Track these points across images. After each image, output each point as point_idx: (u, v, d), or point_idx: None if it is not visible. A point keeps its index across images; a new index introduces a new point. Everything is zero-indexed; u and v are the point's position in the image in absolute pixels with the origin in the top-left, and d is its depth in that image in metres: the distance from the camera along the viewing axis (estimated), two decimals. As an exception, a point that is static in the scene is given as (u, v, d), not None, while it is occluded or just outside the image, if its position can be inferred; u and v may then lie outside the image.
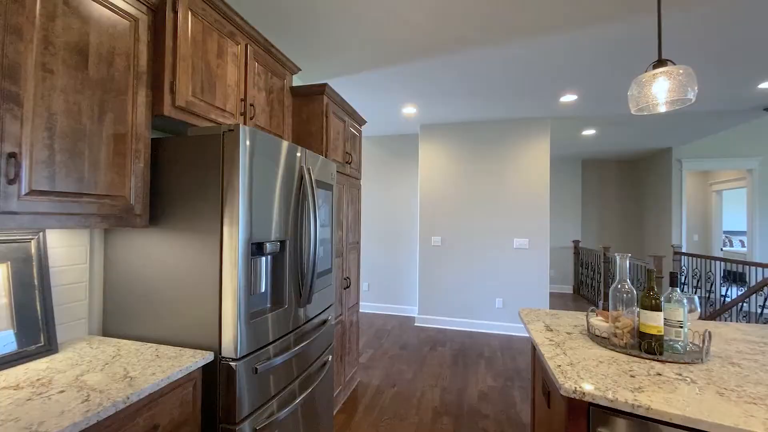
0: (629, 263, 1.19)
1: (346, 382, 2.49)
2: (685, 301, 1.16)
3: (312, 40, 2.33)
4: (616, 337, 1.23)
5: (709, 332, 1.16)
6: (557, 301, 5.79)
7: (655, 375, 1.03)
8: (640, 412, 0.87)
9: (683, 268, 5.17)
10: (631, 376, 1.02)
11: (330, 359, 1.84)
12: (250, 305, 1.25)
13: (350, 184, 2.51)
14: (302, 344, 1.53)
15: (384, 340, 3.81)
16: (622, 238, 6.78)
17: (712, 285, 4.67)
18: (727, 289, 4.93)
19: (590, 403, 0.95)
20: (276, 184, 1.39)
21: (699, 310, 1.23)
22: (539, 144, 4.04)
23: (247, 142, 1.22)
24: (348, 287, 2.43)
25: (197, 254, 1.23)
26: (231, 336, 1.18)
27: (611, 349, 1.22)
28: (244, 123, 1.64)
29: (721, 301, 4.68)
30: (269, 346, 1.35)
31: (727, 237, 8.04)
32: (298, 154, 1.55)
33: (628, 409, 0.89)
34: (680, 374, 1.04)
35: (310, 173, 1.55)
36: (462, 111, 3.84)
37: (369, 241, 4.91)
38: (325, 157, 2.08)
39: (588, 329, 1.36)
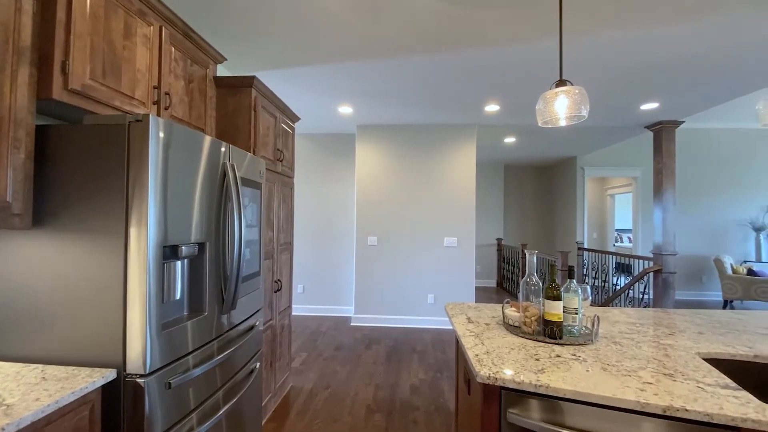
0: (536, 258, 1.32)
1: (277, 389, 2.40)
2: (579, 290, 1.33)
3: (239, 29, 2.20)
4: (525, 325, 1.36)
5: (598, 317, 1.35)
6: (482, 294, 6.25)
7: (555, 357, 1.17)
8: (542, 390, 0.98)
9: (584, 261, 5.94)
10: (536, 360, 1.14)
11: (258, 366, 1.76)
12: (162, 314, 1.14)
13: (282, 183, 2.42)
14: (226, 352, 1.44)
15: (319, 341, 3.75)
16: (538, 235, 7.56)
17: (606, 275, 5.45)
18: (617, 279, 5.78)
19: (502, 387, 1.05)
20: (196, 182, 1.29)
21: (590, 297, 1.43)
22: (467, 149, 4.32)
23: (161, 134, 1.11)
24: (279, 290, 2.35)
25: (97, 259, 1.08)
26: (138, 350, 1.06)
27: (522, 337, 1.35)
28: (158, 113, 1.49)
29: (613, 289, 5.49)
30: (188, 357, 1.25)
31: (618, 234, 9.41)
32: (223, 150, 1.46)
33: (532, 389, 0.99)
34: (575, 355, 1.19)
35: (234, 170, 1.46)
36: (397, 113, 3.95)
37: (304, 241, 4.79)
38: (254, 154, 1.98)
39: (503, 319, 1.49)
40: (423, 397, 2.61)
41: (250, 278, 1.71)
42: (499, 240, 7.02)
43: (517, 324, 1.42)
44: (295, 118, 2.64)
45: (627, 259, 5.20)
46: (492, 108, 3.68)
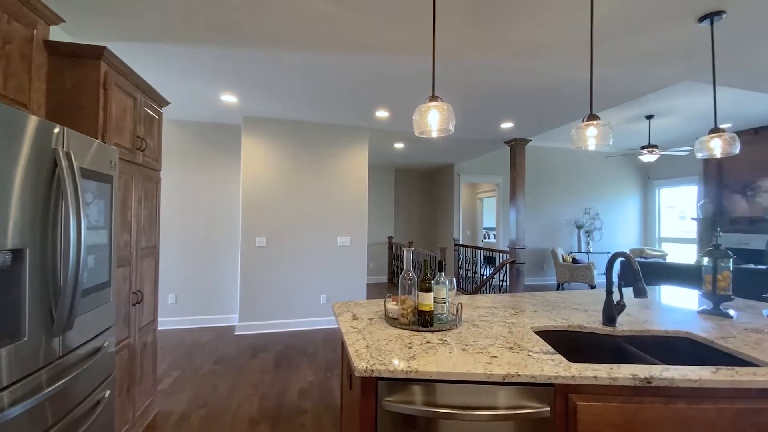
0: (413, 254, 1.44)
1: (137, 417, 2.06)
2: (447, 282, 1.50)
3: (85, -12, 1.82)
4: (403, 316, 1.48)
5: (461, 304, 1.55)
6: (374, 290, 6.52)
7: (426, 343, 1.30)
8: (412, 375, 1.08)
9: (459, 256, 6.75)
10: (409, 348, 1.25)
11: (108, 394, 1.48)
12: (-52, 345, 0.86)
13: (144, 176, 2.09)
14: (61, 382, 1.17)
15: (195, 356, 3.35)
16: (423, 233, 8.26)
17: (476, 267, 6.29)
18: (484, 270, 6.75)
19: (378, 378, 1.11)
20: (14, 173, 1.01)
21: (456, 287, 1.64)
22: (360, 151, 4.45)
23: (-54, 107, 0.83)
24: (139, 302, 2.01)
25: None
26: None
27: (400, 328, 1.46)
28: (-54, 78, 1.12)
29: (482, 278, 6.38)
30: (1, 394, 0.97)
31: (486, 232, 10.98)
32: (56, 132, 1.18)
33: (404, 376, 1.08)
34: (442, 339, 1.34)
35: (71, 159, 1.19)
36: (288, 109, 3.81)
37: (177, 244, 4.21)
38: (103, 140, 1.66)
39: (385, 313, 1.59)
40: (312, 399, 2.58)
41: (96, 290, 1.42)
42: (390, 238, 7.43)
43: (396, 316, 1.53)
44: (162, 102, 2.30)
45: (491, 252, 6.11)
46: (382, 114, 3.87)
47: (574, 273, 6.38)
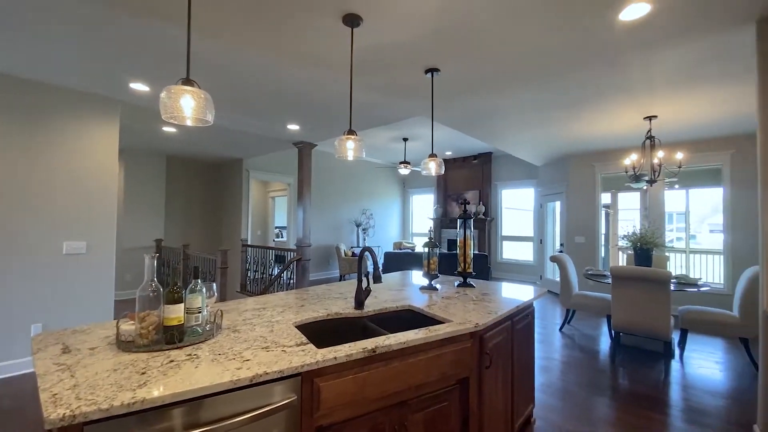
0: (152, 262, 1.24)
1: None
2: (204, 289, 1.36)
3: None
4: (142, 336, 1.23)
5: (221, 311, 1.45)
6: (130, 306, 5.25)
7: (168, 363, 1.12)
8: (137, 407, 0.90)
9: (248, 257, 6.42)
10: (143, 374, 1.04)
11: None
12: None
13: None
14: None
15: None
16: (204, 234, 7.36)
17: (265, 267, 6.15)
18: (274, 269, 6.69)
19: (84, 423, 0.87)
20: None
21: (216, 294, 1.51)
22: (105, 128, 3.46)
23: None
24: None
25: None
26: None
27: (135, 352, 1.21)
28: None
29: (269, 278, 6.29)
30: None
31: (279, 230, 10.96)
32: None
33: (125, 411, 0.89)
34: (191, 354, 1.20)
35: None
36: (-37, 51, 2.50)
37: None
38: None
39: (117, 337, 1.28)
40: (2, 477, 1.79)
41: None
42: (158, 241, 6.20)
43: (132, 338, 1.25)
44: None
45: (281, 251, 6.13)
46: (139, 87, 3.15)
47: (354, 265, 7.28)
